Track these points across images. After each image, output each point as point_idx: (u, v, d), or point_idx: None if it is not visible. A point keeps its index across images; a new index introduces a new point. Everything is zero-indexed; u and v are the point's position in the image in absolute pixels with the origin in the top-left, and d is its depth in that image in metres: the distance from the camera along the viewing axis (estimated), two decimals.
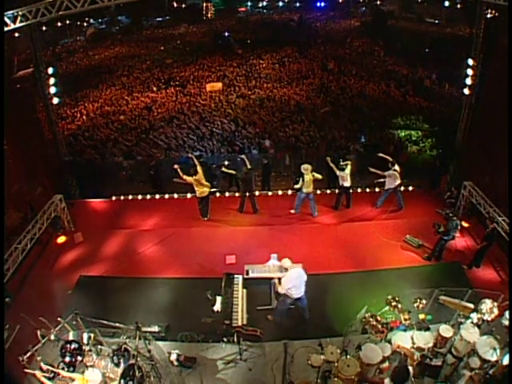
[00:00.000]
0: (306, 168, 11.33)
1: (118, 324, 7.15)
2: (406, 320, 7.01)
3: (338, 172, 11.63)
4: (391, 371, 6.50)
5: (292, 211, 12.18)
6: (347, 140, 16.89)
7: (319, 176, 11.44)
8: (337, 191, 12.48)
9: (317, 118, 19.17)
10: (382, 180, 11.83)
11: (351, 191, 12.23)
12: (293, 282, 7.81)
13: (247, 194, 12.04)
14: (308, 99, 21.43)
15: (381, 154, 11.91)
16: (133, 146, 17.24)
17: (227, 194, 13.27)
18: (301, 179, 11.38)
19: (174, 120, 19.48)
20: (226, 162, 12.27)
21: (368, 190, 13.24)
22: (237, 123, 18.82)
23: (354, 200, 12.48)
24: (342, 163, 11.69)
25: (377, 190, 13.05)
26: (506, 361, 6.20)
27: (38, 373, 6.06)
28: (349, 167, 11.62)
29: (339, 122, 18.68)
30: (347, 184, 11.83)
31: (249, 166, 11.68)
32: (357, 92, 22.13)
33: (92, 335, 6.87)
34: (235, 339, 7.51)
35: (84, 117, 20.69)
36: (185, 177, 11.07)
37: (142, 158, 15.92)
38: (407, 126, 18.30)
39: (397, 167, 11.63)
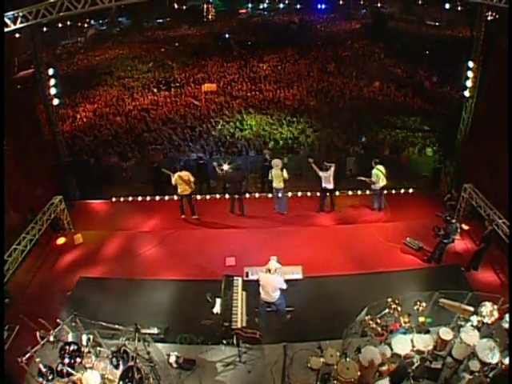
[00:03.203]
0: (276, 164, 11.55)
1: (117, 326, 7.13)
2: (405, 323, 6.98)
3: (320, 173, 11.62)
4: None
5: (275, 209, 12.38)
6: (347, 142, 16.89)
7: (286, 175, 11.59)
8: (318, 194, 12.60)
9: (316, 119, 19.16)
10: (364, 178, 11.88)
11: (334, 193, 12.29)
12: (261, 283, 7.92)
13: (236, 196, 12.16)
14: (308, 101, 21.43)
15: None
16: (131, 147, 17.19)
17: (227, 196, 13.25)
18: (269, 174, 11.77)
19: (173, 121, 19.48)
20: (215, 163, 12.22)
21: (368, 192, 13.23)
22: (235, 125, 18.82)
23: (355, 201, 12.48)
24: (326, 163, 11.66)
25: None
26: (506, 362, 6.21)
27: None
28: (332, 169, 11.57)
29: (339, 124, 18.66)
30: (330, 186, 11.82)
31: (219, 172, 11.93)
32: (357, 94, 22.14)
33: (91, 337, 6.85)
34: (234, 341, 7.51)
35: (84, 118, 20.69)
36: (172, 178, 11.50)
37: (142, 159, 15.89)
38: (406, 128, 18.30)
39: (380, 166, 11.69)
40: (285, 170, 11.60)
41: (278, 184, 11.80)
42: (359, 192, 13.20)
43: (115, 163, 15.47)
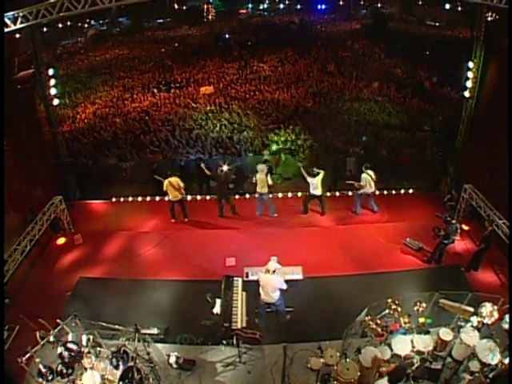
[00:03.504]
0: (261, 169, 11.62)
1: (117, 326, 7.14)
2: (405, 323, 6.99)
3: (308, 179, 11.68)
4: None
5: (257, 213, 12.44)
6: (346, 142, 16.86)
7: (270, 181, 11.68)
8: (302, 196, 12.75)
9: (316, 120, 19.14)
10: (353, 182, 11.92)
11: (323, 199, 12.26)
12: (261, 284, 7.93)
13: (222, 199, 12.20)
14: (307, 101, 21.41)
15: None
16: (130, 149, 17.15)
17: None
18: (253, 177, 11.79)
19: (171, 122, 19.44)
20: (202, 165, 12.24)
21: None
22: (233, 126, 18.78)
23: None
24: (314, 170, 11.71)
25: (377, 192, 13.08)
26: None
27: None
28: (320, 175, 11.58)
29: (338, 125, 18.65)
30: (317, 192, 11.82)
31: (208, 173, 11.96)
32: (357, 94, 22.12)
33: (91, 337, 6.87)
34: (234, 342, 7.51)
35: (84, 119, 20.66)
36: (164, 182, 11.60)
37: (141, 161, 15.87)
38: (406, 128, 18.28)
39: (370, 172, 11.67)
40: (269, 176, 11.68)
41: (261, 189, 11.83)
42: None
43: (114, 164, 15.45)
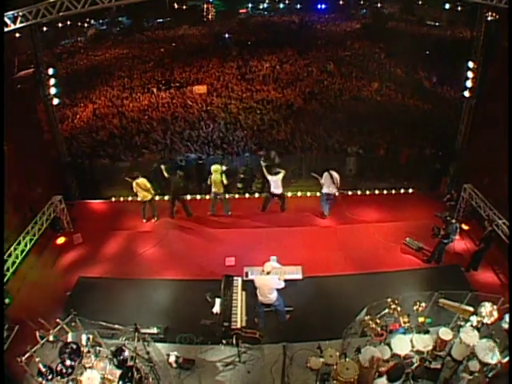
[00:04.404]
0: (214, 169, 11.69)
1: (116, 325, 7.14)
2: (405, 323, 6.99)
3: (269, 177, 11.72)
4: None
5: (208, 213, 12.47)
6: (345, 143, 16.84)
7: (225, 180, 11.73)
8: (263, 195, 12.81)
9: (314, 120, 19.12)
10: (316, 176, 11.71)
11: (283, 198, 12.28)
12: (257, 285, 7.95)
13: (176, 199, 12.26)
14: (306, 102, 21.40)
15: None
16: (128, 148, 17.13)
17: (227, 196, 13.23)
18: (208, 179, 11.92)
19: (170, 122, 19.42)
20: (162, 166, 12.25)
21: (368, 192, 13.25)
22: (229, 126, 18.76)
23: (355, 202, 12.49)
24: (276, 169, 11.74)
25: (376, 192, 13.11)
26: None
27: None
28: (281, 175, 11.58)
29: (337, 125, 18.63)
30: (278, 191, 11.84)
31: (166, 175, 11.98)
32: (356, 94, 22.11)
33: (91, 336, 6.87)
34: (234, 341, 7.50)
35: (84, 118, 20.65)
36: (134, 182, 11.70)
37: (138, 161, 15.85)
38: (406, 128, 18.25)
39: (333, 172, 11.49)
40: (224, 176, 11.71)
41: (217, 189, 11.89)
42: (359, 192, 13.23)
43: (113, 164, 15.43)
